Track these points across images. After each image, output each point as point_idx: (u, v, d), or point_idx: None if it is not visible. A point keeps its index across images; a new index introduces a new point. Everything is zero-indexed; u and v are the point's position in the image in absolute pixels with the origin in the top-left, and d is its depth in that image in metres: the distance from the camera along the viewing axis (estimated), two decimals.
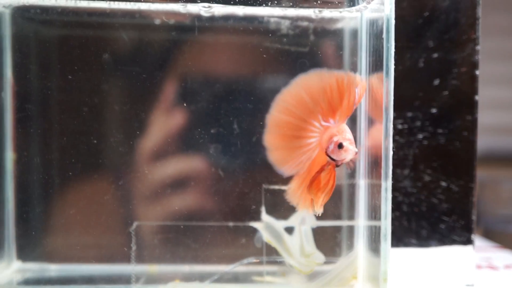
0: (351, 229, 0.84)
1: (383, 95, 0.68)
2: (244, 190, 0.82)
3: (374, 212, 0.73)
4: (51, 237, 0.86)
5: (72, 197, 0.85)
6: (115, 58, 0.83)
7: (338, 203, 0.85)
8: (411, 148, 0.86)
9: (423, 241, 0.88)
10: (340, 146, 0.67)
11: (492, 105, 2.17)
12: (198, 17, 0.81)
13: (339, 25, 0.84)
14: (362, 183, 0.80)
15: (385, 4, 0.68)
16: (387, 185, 0.69)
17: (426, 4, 0.85)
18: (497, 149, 2.15)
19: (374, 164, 0.74)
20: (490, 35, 2.10)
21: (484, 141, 2.16)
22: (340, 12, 0.79)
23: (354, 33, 0.83)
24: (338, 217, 0.85)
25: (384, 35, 0.68)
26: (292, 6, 0.78)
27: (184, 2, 0.77)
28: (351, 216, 0.84)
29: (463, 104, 0.86)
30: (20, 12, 0.82)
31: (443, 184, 0.87)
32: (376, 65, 0.73)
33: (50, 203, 0.85)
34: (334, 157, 0.68)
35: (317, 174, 0.69)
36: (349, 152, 0.67)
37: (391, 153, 0.68)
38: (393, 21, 0.68)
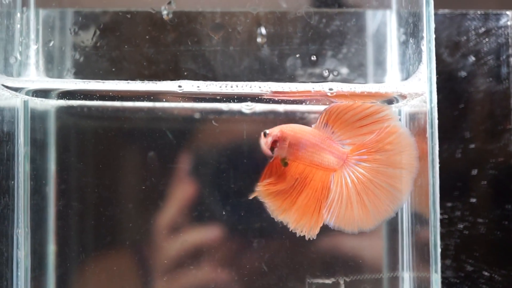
0: None
1: (429, 190, 0.69)
2: (288, 284, 0.82)
3: None
4: None
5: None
6: (158, 153, 0.85)
7: None
8: (452, 238, 0.86)
9: None
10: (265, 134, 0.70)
11: None
12: (240, 112, 0.84)
13: None
14: (406, 276, 0.80)
15: (429, 104, 0.69)
16: (437, 278, 0.69)
17: (461, 96, 0.88)
18: None
19: (420, 257, 0.75)
20: None
21: None
22: None
23: None
24: None
25: (428, 132, 0.69)
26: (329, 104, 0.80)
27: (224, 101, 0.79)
28: None
29: (502, 194, 0.87)
30: (64, 110, 0.85)
31: (486, 273, 0.87)
32: (421, 160, 0.74)
33: None
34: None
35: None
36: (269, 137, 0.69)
37: (439, 248, 0.69)
38: (436, 121, 0.70)
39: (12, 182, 0.75)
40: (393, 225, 0.83)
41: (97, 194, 0.85)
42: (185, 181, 0.84)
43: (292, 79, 0.82)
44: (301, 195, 0.68)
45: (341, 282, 0.82)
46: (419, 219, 0.75)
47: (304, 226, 0.68)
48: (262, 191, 0.68)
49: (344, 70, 0.83)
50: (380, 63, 0.84)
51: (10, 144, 0.74)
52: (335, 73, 0.81)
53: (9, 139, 0.74)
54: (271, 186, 0.68)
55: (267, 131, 0.70)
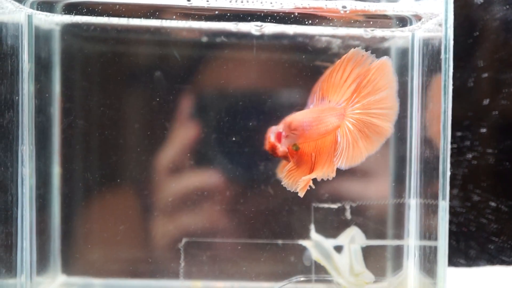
0: (397, 249, 0.84)
1: (441, 115, 0.68)
2: (294, 208, 0.82)
3: (428, 232, 0.73)
4: (95, 251, 0.86)
5: (117, 211, 0.86)
6: (165, 74, 0.84)
7: (384, 222, 0.84)
8: (460, 167, 0.86)
9: (472, 261, 0.87)
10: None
11: None
12: (249, 35, 0.82)
13: (385, 44, 0.84)
14: (413, 202, 0.79)
15: (444, 25, 0.67)
16: (445, 205, 0.68)
17: (476, 24, 0.85)
18: None
19: (428, 184, 0.74)
20: None
21: None
22: (392, 31, 0.79)
23: (402, 52, 0.83)
24: (383, 236, 0.84)
25: (442, 56, 0.68)
26: (343, 26, 0.78)
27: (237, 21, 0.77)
28: (397, 235, 0.83)
29: None
30: (69, 29, 0.83)
31: (492, 204, 0.86)
32: (431, 85, 0.72)
33: (94, 217, 0.86)
34: None
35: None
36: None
37: (448, 173, 0.68)
38: (451, 42, 0.68)
39: (17, 97, 0.74)
40: (401, 152, 0.83)
41: (101, 116, 0.84)
42: (188, 117, 0.83)
43: None
44: (318, 162, 0.68)
45: (347, 207, 0.81)
46: (429, 145, 0.74)
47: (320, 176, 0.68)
48: (288, 182, 0.68)
49: None
50: None
51: (14, 58, 0.73)
52: None
53: (13, 53, 0.73)
54: (293, 172, 0.68)
55: (271, 134, 0.69)
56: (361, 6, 0.69)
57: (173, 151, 0.84)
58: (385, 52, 0.84)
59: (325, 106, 0.68)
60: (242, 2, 0.69)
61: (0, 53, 0.69)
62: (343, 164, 0.68)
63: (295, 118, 0.69)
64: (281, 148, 0.69)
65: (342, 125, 0.68)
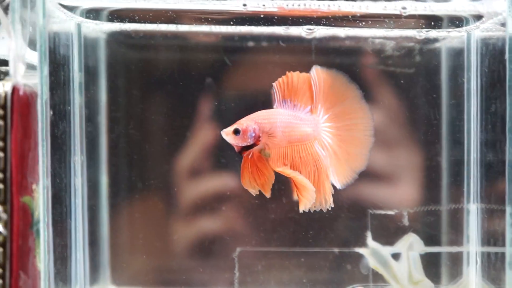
0: (455, 255, 0.82)
1: (507, 117, 0.66)
2: (350, 215, 0.81)
3: (493, 239, 0.71)
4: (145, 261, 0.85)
5: (167, 220, 0.85)
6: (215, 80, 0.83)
7: (441, 228, 0.82)
8: None
9: None
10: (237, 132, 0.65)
11: None
12: (299, 38, 0.80)
13: (437, 45, 0.83)
14: (473, 207, 0.77)
15: (509, 25, 0.65)
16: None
17: None
18: None
19: (491, 188, 0.72)
20: None
21: None
22: (449, 31, 0.77)
23: (455, 53, 0.81)
24: (439, 242, 0.82)
25: (507, 56, 0.65)
26: (397, 27, 0.76)
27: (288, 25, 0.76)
28: (455, 241, 0.81)
29: None
30: (115, 37, 0.82)
31: None
32: (493, 86, 0.70)
33: (142, 226, 0.85)
34: None
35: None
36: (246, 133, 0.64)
37: None
38: None
39: (69, 107, 0.73)
40: (455, 156, 0.81)
41: (150, 124, 0.84)
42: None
43: None
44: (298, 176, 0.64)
45: (405, 213, 0.79)
46: (492, 149, 0.71)
47: (317, 202, 0.65)
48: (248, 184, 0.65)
49: None
50: None
51: (66, 68, 0.72)
52: None
53: (65, 62, 0.72)
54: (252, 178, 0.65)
55: (238, 127, 0.64)
56: (421, 7, 0.67)
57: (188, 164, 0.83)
58: (437, 53, 0.82)
59: (298, 112, 0.65)
60: (299, 5, 0.68)
61: (54, 63, 0.68)
62: (338, 182, 0.66)
63: (267, 118, 0.64)
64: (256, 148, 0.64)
65: (319, 138, 0.65)
